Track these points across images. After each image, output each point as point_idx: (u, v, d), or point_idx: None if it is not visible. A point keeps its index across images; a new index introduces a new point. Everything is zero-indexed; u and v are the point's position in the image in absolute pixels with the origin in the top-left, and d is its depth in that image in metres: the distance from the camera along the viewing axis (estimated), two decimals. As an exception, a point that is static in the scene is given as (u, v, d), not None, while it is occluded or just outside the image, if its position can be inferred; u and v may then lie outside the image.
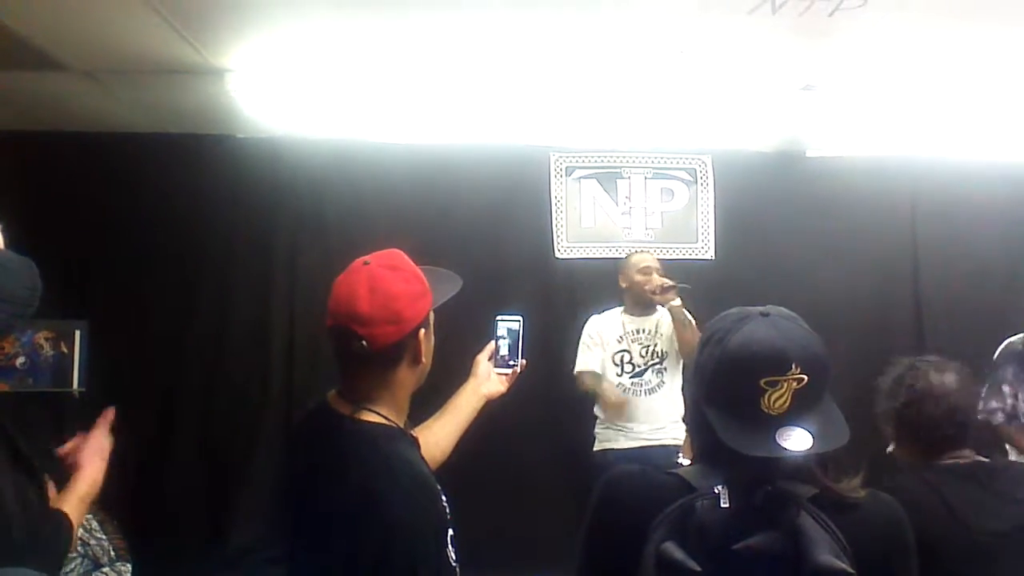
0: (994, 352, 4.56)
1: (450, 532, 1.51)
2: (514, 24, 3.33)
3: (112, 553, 3.70)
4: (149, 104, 4.27)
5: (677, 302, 3.98)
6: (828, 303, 4.77)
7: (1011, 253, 4.93)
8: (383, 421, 1.58)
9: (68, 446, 2.01)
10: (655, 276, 4.07)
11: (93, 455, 2.00)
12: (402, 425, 1.63)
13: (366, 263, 1.60)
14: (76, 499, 1.90)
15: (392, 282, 1.57)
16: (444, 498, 1.53)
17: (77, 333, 4.37)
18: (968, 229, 4.94)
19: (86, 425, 2.11)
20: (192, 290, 4.74)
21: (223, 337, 4.76)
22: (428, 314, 1.65)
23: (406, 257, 1.66)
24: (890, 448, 2.16)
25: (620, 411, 4.08)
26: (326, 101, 4.09)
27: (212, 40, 3.46)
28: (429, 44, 3.52)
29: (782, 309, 1.38)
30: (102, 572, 3.66)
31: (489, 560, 4.13)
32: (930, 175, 4.96)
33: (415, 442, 1.66)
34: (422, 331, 1.62)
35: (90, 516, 3.72)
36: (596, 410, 4.24)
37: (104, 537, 3.71)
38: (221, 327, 4.76)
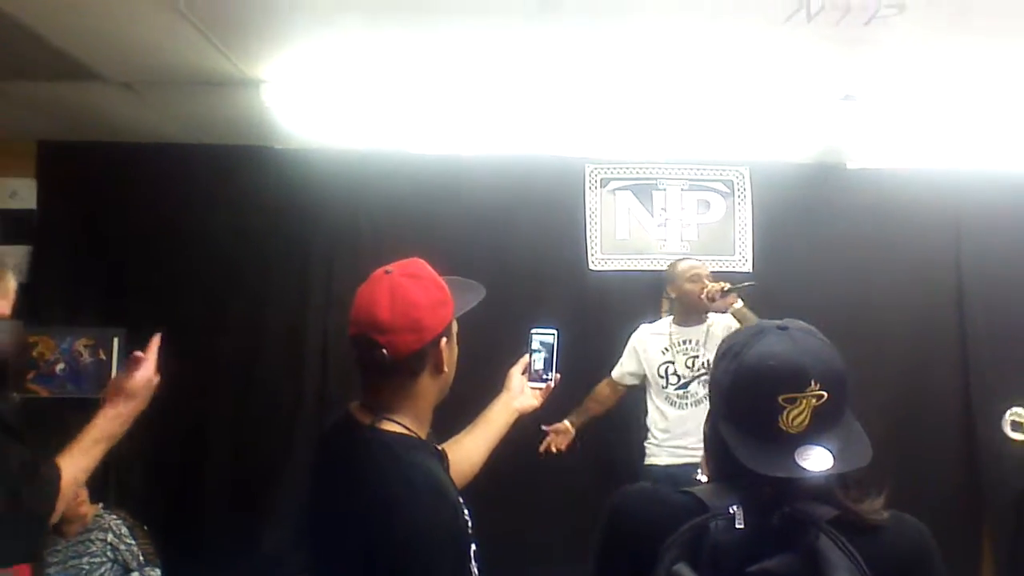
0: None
1: (473, 547, 1.49)
2: (548, 34, 3.31)
3: (141, 558, 3.75)
4: (184, 115, 4.31)
5: (739, 304, 3.92)
6: (868, 318, 4.69)
7: (1059, 269, 4.78)
8: (403, 431, 1.57)
9: (110, 382, 2.01)
10: (706, 282, 4.01)
11: (120, 391, 2.00)
12: (423, 436, 1.62)
13: (388, 272, 1.60)
14: (79, 447, 1.89)
15: (413, 291, 1.56)
16: (467, 512, 1.51)
17: (115, 340, 4.44)
18: (1014, 245, 4.80)
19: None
20: (227, 299, 4.77)
21: (258, 347, 4.79)
22: (450, 323, 1.64)
23: (428, 266, 1.66)
24: None
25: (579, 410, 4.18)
26: (360, 112, 4.09)
27: (246, 51, 3.48)
28: (462, 55, 3.51)
29: (800, 322, 1.33)
30: None
31: (514, 570, 4.11)
32: (975, 189, 4.83)
33: (439, 454, 1.64)
34: (444, 340, 1.61)
35: (119, 522, 3.77)
36: (647, 421, 4.20)
37: (133, 542, 3.76)
38: (256, 337, 4.79)
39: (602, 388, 4.30)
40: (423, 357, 1.59)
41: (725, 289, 3.92)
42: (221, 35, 3.32)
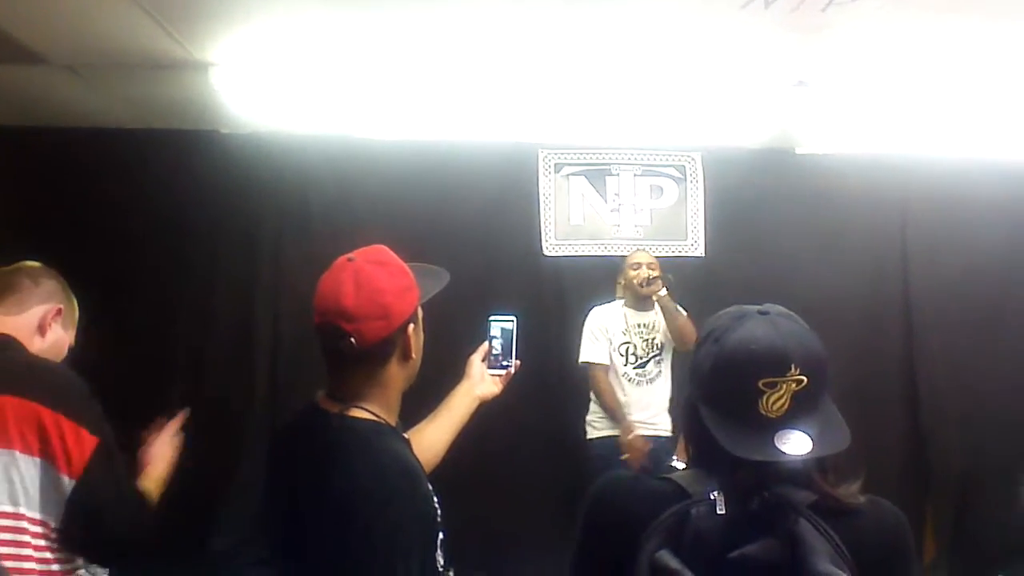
0: (983, 350, 4.58)
1: (440, 535, 1.48)
2: (503, 19, 3.29)
3: None
4: (131, 99, 4.21)
5: (663, 292, 4.16)
6: (817, 300, 4.72)
7: (1001, 251, 4.90)
8: (373, 418, 1.54)
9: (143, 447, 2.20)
10: (643, 269, 4.22)
11: (158, 453, 2.21)
12: (393, 423, 1.60)
13: (351, 259, 1.56)
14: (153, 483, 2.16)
15: (378, 277, 1.54)
16: (436, 500, 1.50)
17: (55, 332, 4.30)
18: (958, 227, 4.92)
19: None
20: (174, 289, 4.67)
21: (206, 336, 4.71)
22: (416, 309, 1.61)
23: (391, 252, 1.63)
24: None
25: (613, 411, 4.22)
26: (311, 96, 4.03)
27: (195, 33, 3.41)
28: (416, 39, 3.48)
29: (780, 307, 1.33)
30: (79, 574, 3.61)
31: (480, 555, 4.12)
32: (921, 173, 4.93)
33: (407, 441, 1.62)
34: (411, 326, 1.59)
35: None
36: (593, 400, 4.35)
37: None
38: (204, 326, 4.70)
39: (601, 379, 4.29)
40: (391, 344, 1.56)
41: (650, 278, 4.18)
42: (169, 16, 3.24)
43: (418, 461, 1.57)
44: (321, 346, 1.57)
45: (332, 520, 1.42)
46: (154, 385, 4.58)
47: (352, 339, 1.50)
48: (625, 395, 4.26)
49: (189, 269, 4.68)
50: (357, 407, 1.54)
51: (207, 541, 4.49)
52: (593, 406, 4.34)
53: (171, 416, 2.28)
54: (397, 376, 1.60)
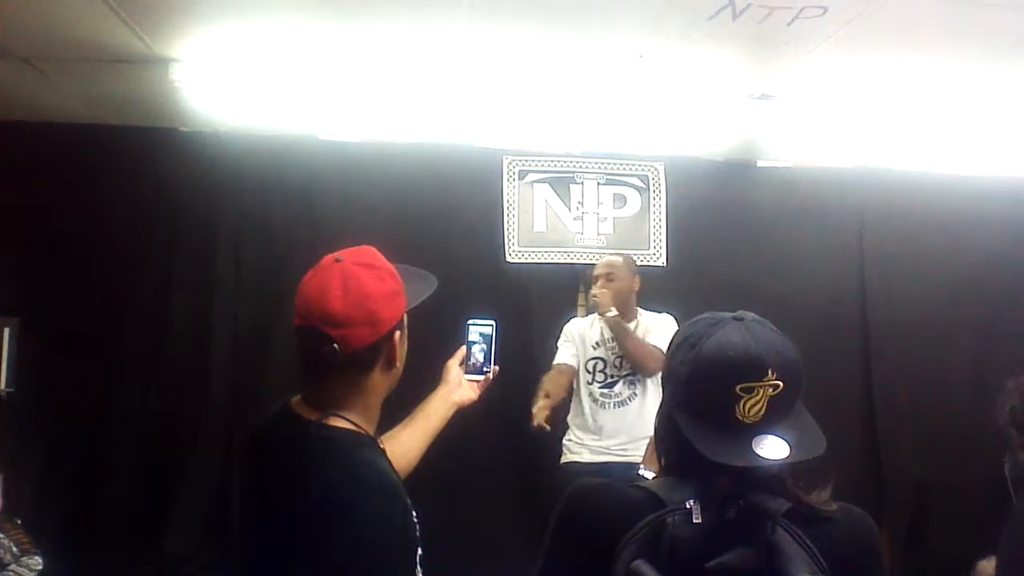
0: (939, 360, 4.64)
1: (419, 551, 1.43)
2: (469, 26, 3.28)
3: (15, 549, 3.56)
4: (90, 94, 4.13)
5: (612, 312, 3.81)
6: (776, 311, 4.69)
7: (956, 262, 5.00)
8: (353, 428, 1.48)
9: None
10: (596, 286, 3.92)
11: None
12: (372, 433, 1.53)
13: (338, 260, 1.49)
14: None
15: (367, 281, 1.47)
16: (415, 514, 1.44)
17: (6, 331, 4.21)
18: (915, 239, 5.01)
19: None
20: (130, 287, 4.57)
21: (162, 336, 4.60)
22: (403, 316, 1.55)
23: (380, 254, 1.56)
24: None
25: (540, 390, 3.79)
26: (274, 95, 3.97)
27: (157, 28, 3.35)
28: (382, 42, 3.45)
29: (752, 314, 1.34)
30: (9, 571, 3.52)
31: (447, 569, 4.06)
32: (878, 187, 5.02)
33: (384, 453, 1.57)
34: (397, 333, 1.53)
35: None
36: (569, 419, 4.03)
37: (2, 535, 3.56)
38: (160, 326, 4.60)
39: (553, 371, 3.98)
40: (376, 351, 1.49)
41: (594, 297, 3.86)
42: (131, 10, 3.19)
43: (396, 474, 1.53)
44: (301, 349, 1.50)
45: (307, 534, 1.36)
46: (105, 387, 4.51)
47: (336, 345, 1.44)
48: (588, 418, 3.90)
49: (144, 268, 4.59)
50: (336, 415, 1.48)
51: (159, 543, 4.39)
52: (569, 427, 4.02)
53: None
54: (379, 384, 1.54)
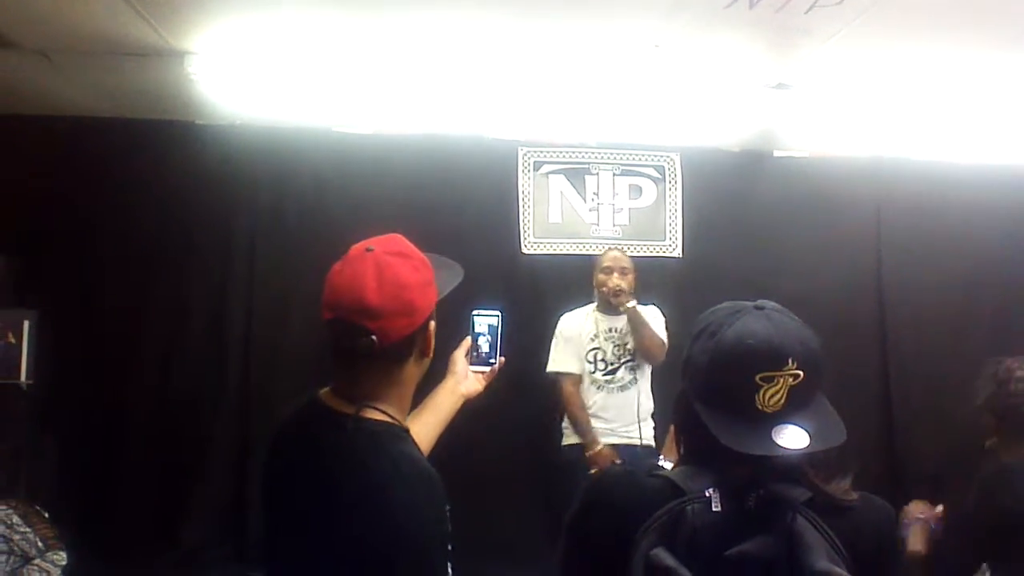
0: (956, 350, 4.59)
1: (449, 547, 1.40)
2: (485, 16, 3.27)
3: (40, 544, 3.56)
4: (105, 87, 4.13)
5: (632, 304, 3.95)
6: (792, 302, 4.69)
7: (974, 254, 4.96)
8: (389, 420, 1.45)
9: None
10: (614, 277, 4.00)
11: None
12: (405, 425, 1.50)
13: (369, 249, 1.45)
14: None
15: (401, 270, 1.43)
16: (448, 507, 1.41)
17: (26, 323, 4.22)
18: (932, 229, 4.97)
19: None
20: (147, 281, 4.59)
21: (178, 330, 4.63)
22: (435, 305, 1.52)
23: (409, 242, 1.53)
24: (990, 441, 2.59)
25: (578, 423, 4.02)
26: (289, 88, 3.98)
27: (173, 21, 3.36)
28: (397, 33, 3.45)
29: (774, 303, 1.32)
30: (34, 565, 3.52)
31: (456, 559, 4.05)
32: (896, 177, 4.99)
33: (417, 445, 1.52)
34: (432, 323, 1.50)
35: (9, 511, 3.58)
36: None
37: (29, 530, 3.57)
38: (176, 319, 4.63)
39: (568, 390, 4.09)
40: (412, 342, 1.47)
41: (617, 289, 3.95)
42: (145, 3, 3.18)
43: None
44: (333, 343, 1.46)
45: (350, 527, 1.35)
46: (122, 379, 4.53)
47: (374, 337, 1.40)
48: (592, 402, 4.05)
49: (160, 261, 4.61)
50: (371, 407, 1.44)
51: (177, 537, 4.42)
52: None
53: None
54: (413, 375, 1.52)
